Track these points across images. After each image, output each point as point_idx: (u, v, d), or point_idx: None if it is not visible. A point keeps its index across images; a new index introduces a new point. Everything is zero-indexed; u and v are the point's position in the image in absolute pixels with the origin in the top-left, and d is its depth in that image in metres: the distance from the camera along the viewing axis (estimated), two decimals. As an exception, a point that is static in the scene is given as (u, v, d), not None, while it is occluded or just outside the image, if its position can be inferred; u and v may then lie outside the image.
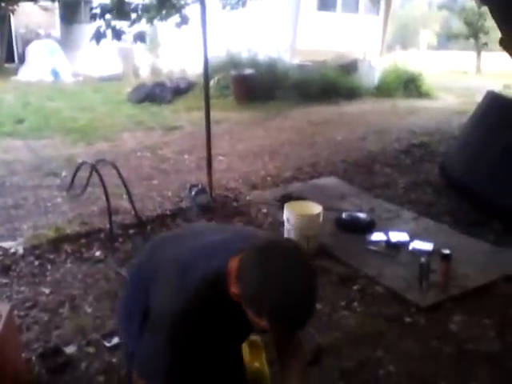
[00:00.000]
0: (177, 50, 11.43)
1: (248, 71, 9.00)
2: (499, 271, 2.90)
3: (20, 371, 1.91)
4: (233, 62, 9.89)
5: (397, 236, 3.34)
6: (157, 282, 1.19)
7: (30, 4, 14.35)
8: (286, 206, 3.24)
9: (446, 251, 2.72)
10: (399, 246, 3.23)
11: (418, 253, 3.02)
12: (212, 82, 9.96)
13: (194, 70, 10.65)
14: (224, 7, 7.56)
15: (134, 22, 3.63)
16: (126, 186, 3.17)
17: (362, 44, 10.51)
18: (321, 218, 3.17)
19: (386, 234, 3.37)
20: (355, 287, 2.77)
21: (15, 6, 13.62)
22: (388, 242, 3.26)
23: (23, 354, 2.09)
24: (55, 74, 13.14)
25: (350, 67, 9.70)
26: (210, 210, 3.74)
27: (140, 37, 3.76)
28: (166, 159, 5.51)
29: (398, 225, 3.59)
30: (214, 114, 8.26)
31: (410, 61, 11.66)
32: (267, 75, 9.06)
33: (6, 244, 3.18)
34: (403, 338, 2.31)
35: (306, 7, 10.53)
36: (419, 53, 23.04)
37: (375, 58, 10.49)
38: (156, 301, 1.17)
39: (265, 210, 3.87)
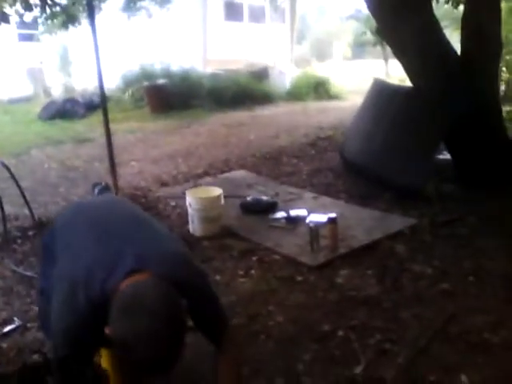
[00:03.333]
0: (89, 67, 11.27)
1: (161, 82, 9.08)
2: (384, 231, 3.18)
3: None
4: (146, 75, 9.93)
5: (296, 212, 3.55)
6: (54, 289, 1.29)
7: None
8: (187, 191, 3.35)
9: (332, 215, 2.96)
10: (298, 221, 3.43)
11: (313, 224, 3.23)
12: (127, 95, 9.96)
13: (108, 85, 10.57)
14: (129, 17, 7.63)
15: None
16: (17, 183, 3.11)
17: (271, 51, 10.95)
18: (222, 200, 3.30)
19: (287, 212, 3.57)
20: (254, 258, 2.92)
21: None
22: (287, 218, 3.46)
23: None
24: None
25: (261, 74, 10.07)
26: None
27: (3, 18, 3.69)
28: (74, 168, 5.42)
29: (299, 204, 3.80)
30: (129, 125, 8.29)
31: (323, 70, 12.32)
32: (181, 85, 9.19)
33: None
34: (293, 292, 2.48)
35: (214, 17, 10.84)
36: (334, 63, 24.27)
37: (285, 64, 10.98)
38: (52, 304, 1.28)
39: (173, 203, 3.94)
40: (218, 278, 2.69)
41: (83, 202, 1.59)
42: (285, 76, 10.52)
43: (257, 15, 11.46)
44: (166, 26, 9.94)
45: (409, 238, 3.08)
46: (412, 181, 3.74)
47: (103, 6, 6.95)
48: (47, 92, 12.34)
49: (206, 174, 4.89)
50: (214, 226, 3.24)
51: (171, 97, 8.99)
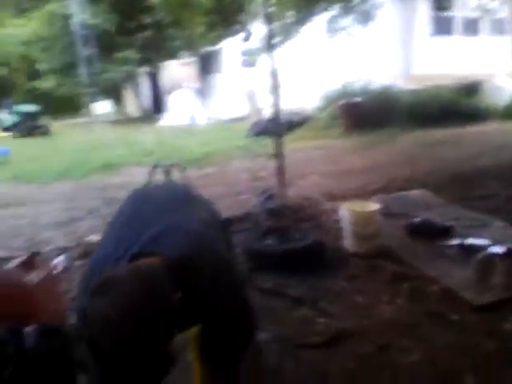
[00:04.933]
0: (296, 88, 11.98)
1: (356, 99, 8.99)
2: None
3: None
4: (346, 93, 9.97)
5: (474, 241, 2.99)
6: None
7: (175, 62, 16.56)
8: (342, 205, 3.17)
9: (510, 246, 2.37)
10: (474, 251, 2.87)
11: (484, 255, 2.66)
12: (324, 114, 10.20)
13: (312, 105, 11.03)
14: (330, 38, 7.83)
15: None
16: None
17: (486, 65, 9.67)
18: (378, 217, 3.02)
19: (463, 240, 3.04)
20: (406, 285, 2.55)
21: (159, 64, 15.88)
22: (461, 246, 2.94)
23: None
24: (192, 118, 14.78)
25: (471, 89, 9.01)
26: (279, 214, 3.80)
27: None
28: (260, 178, 5.76)
29: (483, 233, 3.20)
30: (318, 143, 8.44)
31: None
32: (378, 102, 8.91)
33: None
34: (441, 331, 2.06)
35: (420, 31, 10.20)
36: None
37: (504, 79, 9.55)
38: None
39: (336, 218, 3.79)
40: (358, 299, 2.44)
41: (138, 190, 1.57)
42: (502, 91, 9.17)
43: (469, 27, 10.32)
44: (367, 42, 9.82)
45: None
46: None
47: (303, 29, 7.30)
48: (259, 112, 13.61)
49: (381, 191, 4.57)
50: (369, 244, 2.97)
51: (366, 115, 8.79)
